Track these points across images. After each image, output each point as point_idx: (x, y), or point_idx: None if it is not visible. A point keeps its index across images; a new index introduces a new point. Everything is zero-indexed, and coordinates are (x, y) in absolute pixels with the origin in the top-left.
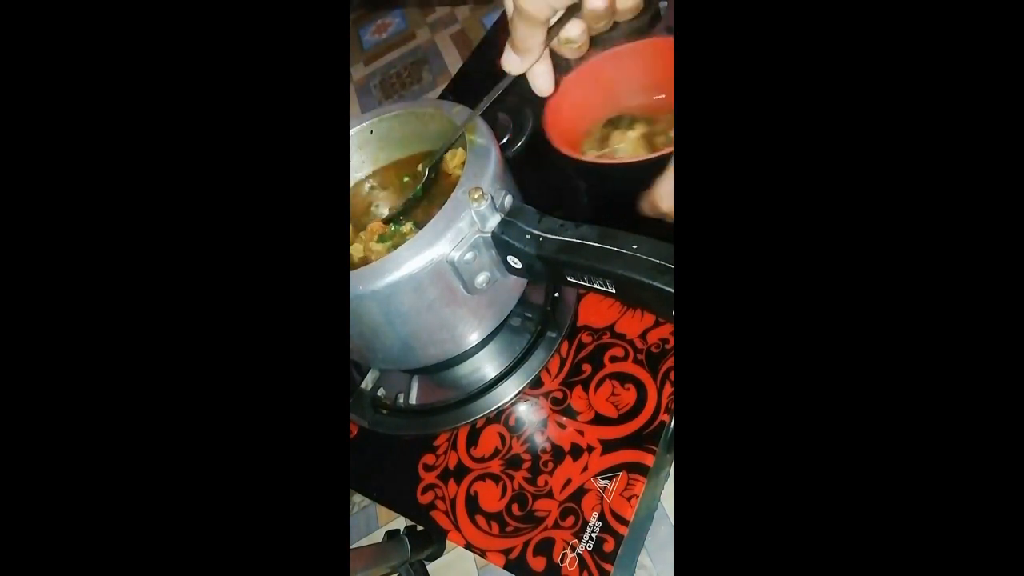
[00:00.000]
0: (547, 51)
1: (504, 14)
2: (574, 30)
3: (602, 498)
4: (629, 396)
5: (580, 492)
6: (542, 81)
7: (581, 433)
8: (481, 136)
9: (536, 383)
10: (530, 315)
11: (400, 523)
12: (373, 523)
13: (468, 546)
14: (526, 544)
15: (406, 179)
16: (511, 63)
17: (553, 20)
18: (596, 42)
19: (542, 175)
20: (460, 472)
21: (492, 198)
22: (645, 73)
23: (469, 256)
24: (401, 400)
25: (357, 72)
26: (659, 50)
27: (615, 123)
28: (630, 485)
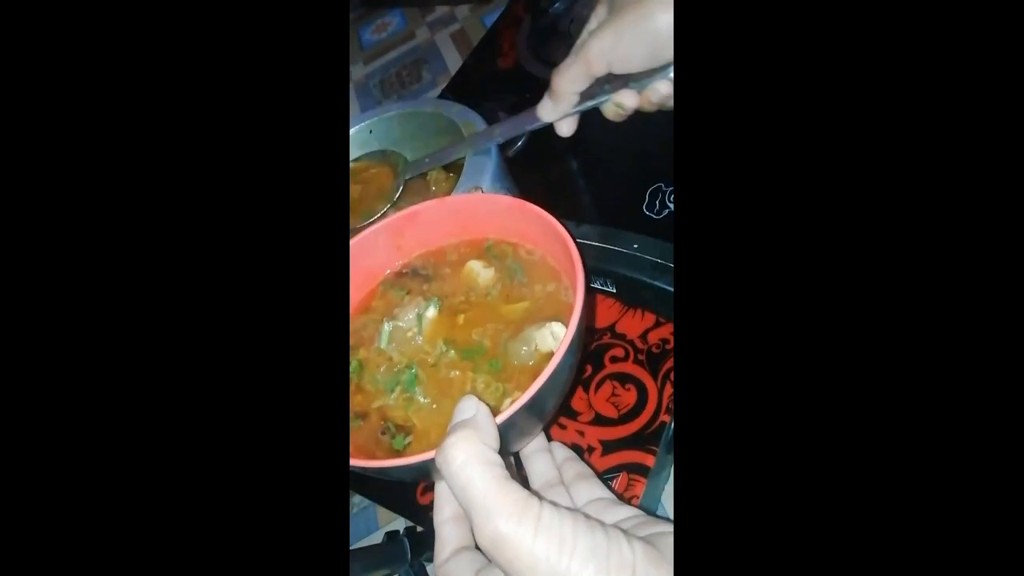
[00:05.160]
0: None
1: (504, 13)
2: (629, 99)
3: None
4: (629, 397)
5: None
6: (567, 125)
7: (581, 434)
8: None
9: None
10: None
11: (400, 524)
12: (373, 524)
13: None
14: None
15: None
16: (545, 110)
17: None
18: None
19: (541, 174)
20: None
21: None
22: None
23: None
24: None
25: (356, 71)
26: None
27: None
28: (631, 486)
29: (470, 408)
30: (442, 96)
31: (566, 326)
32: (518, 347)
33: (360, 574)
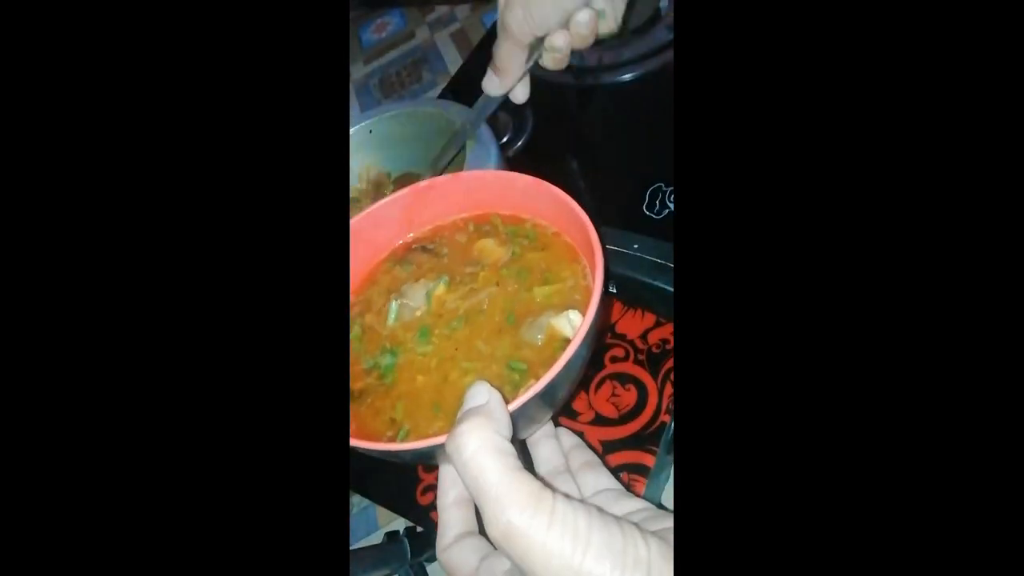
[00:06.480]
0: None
1: None
2: (560, 40)
3: None
4: (629, 397)
5: None
6: (520, 91)
7: (581, 434)
8: (481, 135)
9: None
10: None
11: (400, 524)
12: (373, 524)
13: None
14: None
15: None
16: (491, 84)
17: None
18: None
19: (541, 174)
20: None
21: None
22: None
23: None
24: None
25: (356, 71)
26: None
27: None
28: (631, 486)
29: (482, 395)
30: (442, 96)
31: (582, 315)
32: (533, 333)
33: (360, 574)
